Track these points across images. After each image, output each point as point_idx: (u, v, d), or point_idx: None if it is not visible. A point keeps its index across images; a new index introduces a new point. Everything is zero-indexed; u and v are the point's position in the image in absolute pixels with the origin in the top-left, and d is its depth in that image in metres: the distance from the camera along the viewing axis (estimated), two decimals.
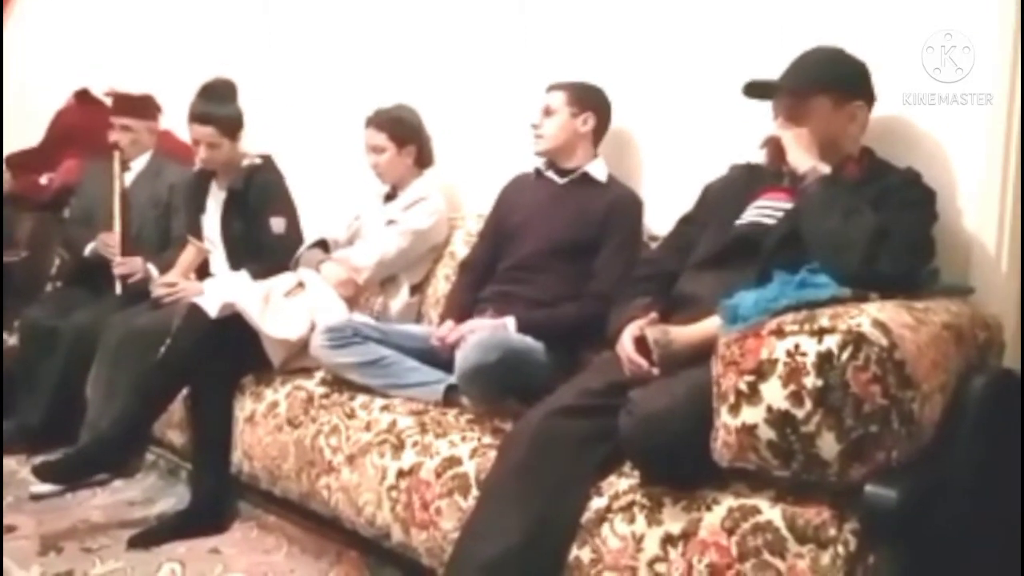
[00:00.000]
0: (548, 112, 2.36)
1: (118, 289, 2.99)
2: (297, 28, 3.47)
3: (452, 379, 2.09)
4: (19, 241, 3.65)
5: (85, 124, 3.70)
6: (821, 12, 2.04)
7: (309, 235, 2.87)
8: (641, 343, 1.72)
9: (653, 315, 1.78)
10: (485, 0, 2.84)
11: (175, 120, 3.30)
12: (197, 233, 3.02)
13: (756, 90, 1.88)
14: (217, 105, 2.88)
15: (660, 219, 2.25)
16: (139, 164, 3.29)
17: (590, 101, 2.37)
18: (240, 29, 3.64)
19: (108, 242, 3.08)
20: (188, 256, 3.00)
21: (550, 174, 2.42)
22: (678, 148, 2.35)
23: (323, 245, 2.77)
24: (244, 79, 3.01)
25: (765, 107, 1.88)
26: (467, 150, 2.86)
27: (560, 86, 2.38)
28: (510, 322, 2.18)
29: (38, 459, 2.48)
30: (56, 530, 2.32)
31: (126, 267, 3.01)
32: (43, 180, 3.80)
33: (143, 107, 3.32)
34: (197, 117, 2.87)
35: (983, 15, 1.80)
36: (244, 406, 2.42)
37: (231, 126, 2.90)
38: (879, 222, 1.60)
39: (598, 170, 2.37)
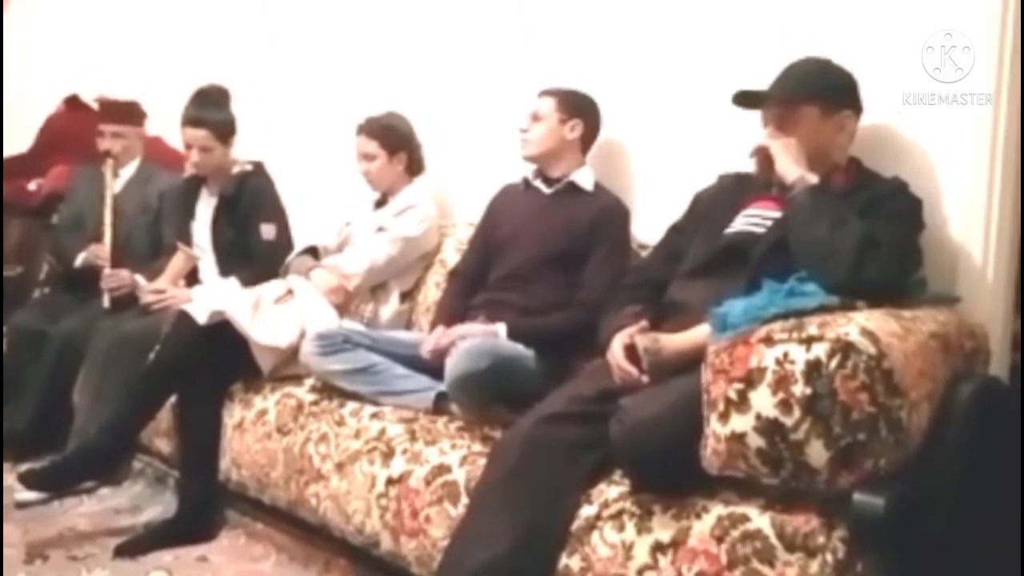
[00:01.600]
0: (536, 118, 2.37)
1: (106, 302, 2.97)
2: (289, 35, 3.47)
3: (442, 386, 2.08)
4: (7, 247, 3.62)
5: (75, 130, 3.69)
6: (820, 13, 2.05)
7: (299, 242, 2.87)
8: (631, 351, 1.72)
9: (643, 323, 1.79)
10: (477, 10, 2.85)
11: (167, 126, 3.30)
12: (187, 239, 3.02)
13: (745, 99, 1.89)
14: (211, 110, 2.89)
15: (650, 228, 2.25)
16: (128, 171, 3.28)
17: (579, 109, 2.37)
18: (233, 36, 3.64)
19: (99, 254, 3.06)
20: (177, 263, 2.99)
21: (538, 183, 2.43)
22: (668, 157, 2.35)
23: (313, 252, 2.77)
24: (236, 86, 3.01)
25: (754, 116, 1.89)
26: (458, 158, 2.86)
27: (550, 92, 2.39)
28: (501, 328, 2.18)
29: (24, 466, 2.46)
30: (42, 538, 2.30)
31: (114, 280, 2.98)
32: (32, 186, 3.78)
33: (132, 113, 3.32)
34: (190, 121, 2.88)
35: (983, 15, 1.81)
36: (233, 413, 2.41)
37: (224, 130, 2.90)
38: (866, 231, 1.61)
39: (584, 179, 2.37)
